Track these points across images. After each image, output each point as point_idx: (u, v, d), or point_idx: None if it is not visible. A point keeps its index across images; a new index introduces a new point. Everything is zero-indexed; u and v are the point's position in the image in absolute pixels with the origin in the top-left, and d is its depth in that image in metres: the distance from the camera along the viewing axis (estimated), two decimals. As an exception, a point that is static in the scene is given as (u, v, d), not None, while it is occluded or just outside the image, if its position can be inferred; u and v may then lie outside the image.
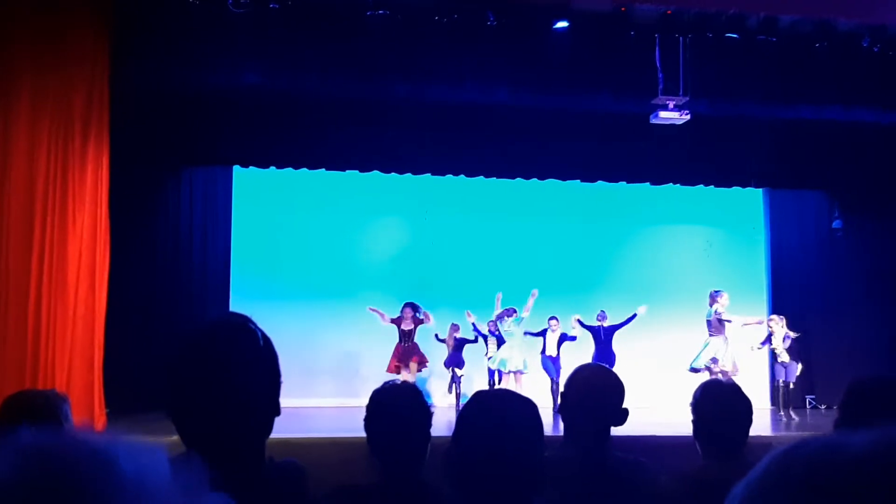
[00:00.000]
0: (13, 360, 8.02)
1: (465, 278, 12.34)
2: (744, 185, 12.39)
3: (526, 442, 1.91)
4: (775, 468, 0.66)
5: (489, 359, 11.20)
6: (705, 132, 10.89)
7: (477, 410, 1.97)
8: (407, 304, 11.11)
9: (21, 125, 8.34)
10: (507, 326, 11.07)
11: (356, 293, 12.15)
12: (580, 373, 2.81)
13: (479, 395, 2.04)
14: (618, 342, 11.19)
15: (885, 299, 12.38)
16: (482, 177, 11.80)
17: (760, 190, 13.02)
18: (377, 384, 2.77)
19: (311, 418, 9.49)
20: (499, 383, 10.90)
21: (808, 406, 12.16)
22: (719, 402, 2.82)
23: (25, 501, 0.58)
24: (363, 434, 2.63)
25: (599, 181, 12.05)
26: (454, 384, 11.22)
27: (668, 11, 9.50)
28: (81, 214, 8.49)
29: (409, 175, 11.63)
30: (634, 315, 11.18)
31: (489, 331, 11.22)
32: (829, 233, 12.87)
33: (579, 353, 10.82)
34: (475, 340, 11.29)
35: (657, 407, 10.38)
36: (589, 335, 11.26)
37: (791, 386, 10.87)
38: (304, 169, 11.37)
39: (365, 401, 2.70)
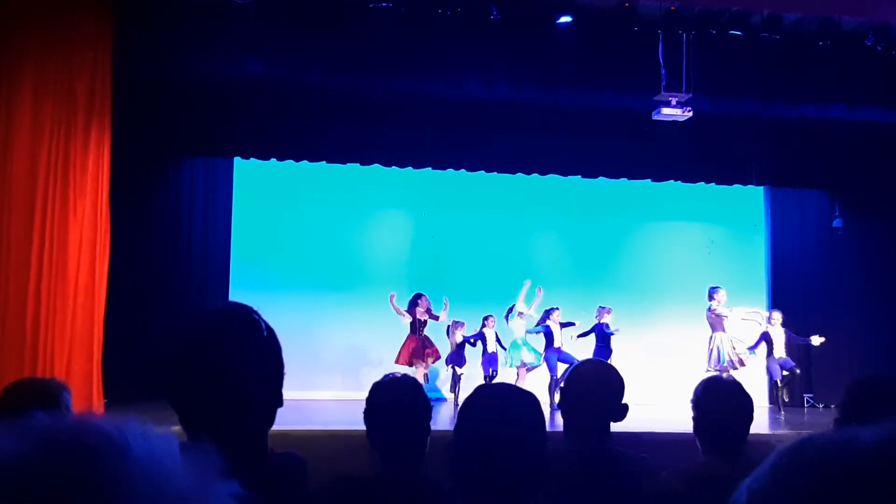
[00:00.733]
0: (13, 348, 8.01)
1: (464, 273, 12.33)
2: (745, 183, 12.38)
3: (527, 435, 1.91)
4: (786, 462, 0.66)
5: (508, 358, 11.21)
6: (707, 129, 10.88)
7: (478, 404, 1.96)
8: (420, 295, 11.12)
9: (24, 112, 8.32)
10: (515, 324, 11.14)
11: (356, 286, 12.17)
12: (580, 368, 2.82)
13: (480, 388, 2.04)
14: (618, 338, 11.18)
15: (885, 298, 12.38)
16: (483, 171, 11.78)
17: (761, 188, 13.01)
18: (377, 376, 2.77)
19: (310, 410, 9.50)
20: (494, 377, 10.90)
21: (806, 405, 12.16)
22: (720, 398, 2.82)
23: (38, 484, 0.58)
24: (363, 427, 2.63)
25: (601, 177, 12.03)
26: (456, 383, 11.21)
27: (672, 7, 9.49)
28: (82, 203, 8.47)
29: (409, 169, 11.61)
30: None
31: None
32: (829, 232, 12.86)
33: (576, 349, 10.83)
34: (474, 344, 11.28)
35: (658, 403, 10.38)
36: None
37: (779, 383, 10.80)
38: (305, 161, 11.34)
39: (365, 393, 2.69)
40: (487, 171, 11.80)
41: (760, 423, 9.22)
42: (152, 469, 0.62)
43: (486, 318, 11.25)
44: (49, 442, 0.61)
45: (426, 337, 11.07)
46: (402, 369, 8.89)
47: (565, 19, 9.48)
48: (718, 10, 9.57)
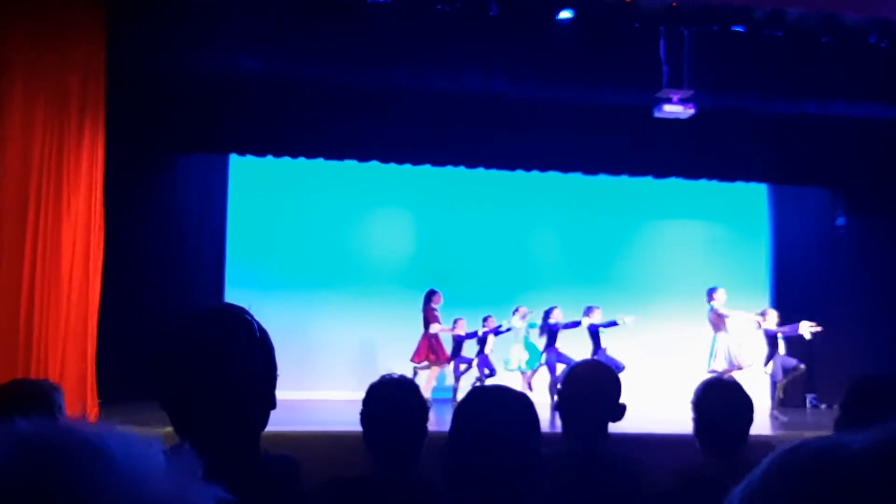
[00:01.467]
0: (6, 347, 7.95)
1: (462, 270, 12.31)
2: (747, 181, 12.35)
3: (522, 437, 1.89)
4: (776, 468, 0.66)
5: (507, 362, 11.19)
6: (709, 126, 10.83)
7: (473, 406, 1.95)
8: (434, 292, 11.09)
9: (16, 109, 8.24)
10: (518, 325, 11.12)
11: (353, 284, 12.15)
12: (576, 369, 2.81)
13: (474, 391, 2.03)
14: (618, 338, 11.14)
15: (888, 297, 12.34)
16: (482, 168, 11.75)
17: (764, 185, 12.98)
18: (374, 376, 2.75)
19: (306, 411, 9.46)
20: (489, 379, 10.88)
21: (808, 405, 12.13)
22: (720, 399, 2.82)
23: (19, 490, 0.58)
24: (359, 428, 2.62)
25: (601, 174, 12.00)
26: (456, 381, 11.19)
27: (674, 3, 9.44)
28: (76, 200, 8.40)
29: (407, 165, 11.58)
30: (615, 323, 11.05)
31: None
32: (832, 230, 12.83)
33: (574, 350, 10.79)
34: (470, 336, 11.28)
35: (658, 403, 10.35)
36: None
37: (779, 383, 10.73)
38: (302, 158, 11.29)
39: (362, 394, 2.67)
40: (487, 167, 11.76)
41: (761, 425, 9.19)
42: (134, 475, 0.61)
43: (485, 319, 11.24)
44: (29, 448, 0.61)
45: (438, 337, 11.07)
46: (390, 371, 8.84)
47: (566, 15, 9.45)
48: (720, 6, 9.52)
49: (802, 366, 10.49)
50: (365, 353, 11.97)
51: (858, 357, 11.39)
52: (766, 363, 10.54)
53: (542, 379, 10.91)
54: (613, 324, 10.87)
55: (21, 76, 8.31)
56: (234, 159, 11.76)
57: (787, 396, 10.94)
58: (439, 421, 7.12)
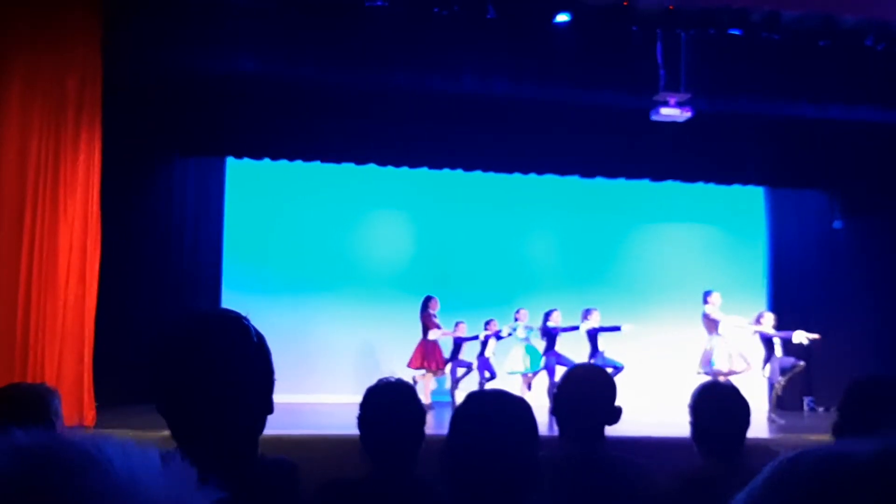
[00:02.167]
0: (2, 350, 7.95)
1: (460, 273, 12.31)
2: (744, 183, 12.36)
3: (520, 441, 1.90)
4: (778, 476, 0.65)
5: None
6: (706, 129, 10.85)
7: (471, 410, 1.95)
8: (430, 298, 11.11)
9: (13, 111, 8.25)
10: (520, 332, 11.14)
11: (351, 287, 12.13)
12: (573, 373, 2.81)
13: (472, 395, 2.03)
14: (616, 340, 11.14)
15: (885, 299, 12.35)
16: (480, 171, 11.75)
17: (761, 188, 12.99)
18: (372, 379, 2.75)
19: (304, 414, 9.45)
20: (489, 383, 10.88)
21: (806, 408, 12.13)
22: (717, 403, 2.83)
23: (18, 501, 0.58)
24: (357, 431, 2.62)
25: (598, 177, 12.01)
26: (454, 385, 11.19)
27: (671, 6, 9.45)
28: (73, 202, 8.39)
29: (405, 168, 11.57)
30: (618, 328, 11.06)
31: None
32: (829, 232, 12.84)
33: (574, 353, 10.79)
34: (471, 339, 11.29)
35: (655, 406, 10.35)
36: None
37: (777, 384, 10.71)
38: (299, 161, 11.29)
39: (359, 397, 2.68)
40: (484, 170, 11.77)
41: (758, 427, 9.18)
42: (132, 484, 0.61)
43: (487, 323, 11.25)
44: (27, 459, 0.61)
45: (435, 343, 11.07)
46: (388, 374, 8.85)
47: (563, 18, 9.46)
48: (717, 9, 9.53)
49: (802, 363, 10.48)
50: (363, 357, 11.96)
51: (856, 360, 11.37)
52: (763, 366, 10.53)
53: (542, 382, 10.91)
54: (616, 329, 10.89)
55: (18, 78, 8.31)
56: (231, 162, 11.73)
57: (785, 399, 10.93)
58: (439, 424, 7.12)
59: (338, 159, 11.33)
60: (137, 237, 10.72)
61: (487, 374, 11.01)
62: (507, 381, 10.78)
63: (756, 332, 10.54)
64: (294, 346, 11.00)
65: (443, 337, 11.15)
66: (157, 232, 11.13)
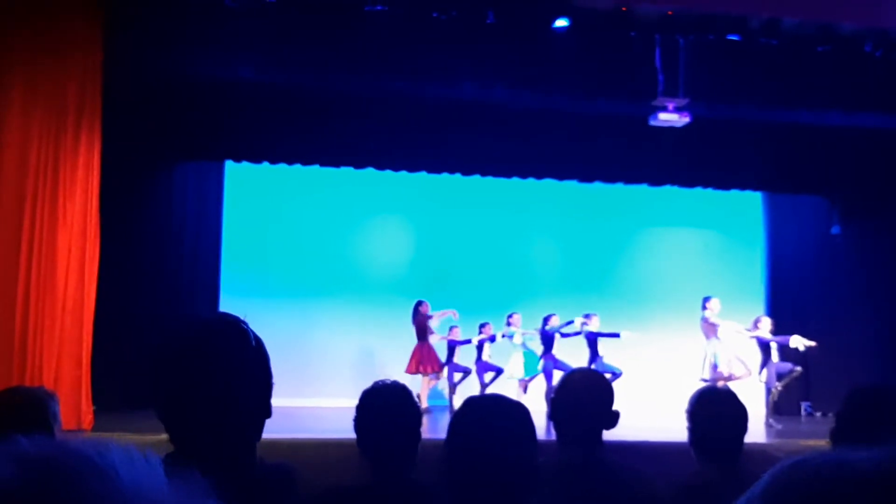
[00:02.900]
0: (0, 354, 7.95)
1: (458, 277, 12.31)
2: (742, 189, 12.37)
3: (518, 446, 1.90)
4: (777, 484, 0.65)
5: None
6: (705, 134, 10.86)
7: (469, 415, 1.95)
8: (420, 302, 11.13)
9: (13, 116, 8.26)
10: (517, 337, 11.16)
11: (350, 291, 12.13)
12: (569, 378, 2.81)
13: (470, 400, 2.03)
14: (614, 345, 11.14)
15: (883, 305, 12.36)
16: (478, 175, 11.76)
17: (759, 193, 13.00)
18: (370, 384, 2.75)
19: (303, 419, 9.44)
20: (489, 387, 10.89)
21: (803, 413, 12.12)
22: (715, 409, 2.83)
23: None
24: (354, 435, 2.62)
25: (597, 182, 12.01)
26: (452, 390, 11.18)
27: (670, 12, 9.47)
28: (72, 206, 8.40)
29: (404, 172, 11.57)
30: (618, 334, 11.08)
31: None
32: (827, 238, 12.84)
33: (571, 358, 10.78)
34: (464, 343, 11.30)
35: (654, 411, 10.34)
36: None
37: (774, 389, 10.69)
38: (298, 164, 11.28)
39: (357, 401, 2.68)
40: (483, 174, 11.77)
41: (756, 433, 9.18)
42: (137, 493, 0.61)
43: (482, 326, 11.25)
44: (31, 467, 0.60)
45: (431, 347, 11.07)
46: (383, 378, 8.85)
47: (562, 23, 9.47)
48: (716, 15, 9.55)
49: (798, 368, 10.46)
50: (362, 361, 11.95)
51: (853, 365, 11.38)
52: (760, 371, 10.53)
53: (539, 386, 10.90)
54: (615, 335, 10.91)
55: (19, 83, 8.32)
56: (229, 166, 11.73)
57: (783, 404, 10.92)
58: (438, 429, 7.10)
59: (336, 163, 11.32)
60: (136, 241, 10.71)
61: (492, 375, 11.01)
62: (504, 385, 10.79)
63: (753, 336, 10.54)
64: (292, 350, 10.99)
65: (439, 341, 11.17)
66: (155, 236, 11.12)
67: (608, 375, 10.38)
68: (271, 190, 12.10)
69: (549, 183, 11.94)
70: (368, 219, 12.53)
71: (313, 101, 10.48)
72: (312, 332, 11.94)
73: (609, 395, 2.74)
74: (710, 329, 10.61)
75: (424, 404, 10.59)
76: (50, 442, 0.63)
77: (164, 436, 1.56)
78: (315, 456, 5.79)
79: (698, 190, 12.29)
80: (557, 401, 2.70)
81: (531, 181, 11.88)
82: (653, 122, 9.81)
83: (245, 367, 1.58)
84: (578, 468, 2.58)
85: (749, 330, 10.60)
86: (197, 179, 11.67)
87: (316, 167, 11.37)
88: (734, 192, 12.50)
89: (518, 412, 1.94)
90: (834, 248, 12.79)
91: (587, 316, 10.95)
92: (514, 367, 11.11)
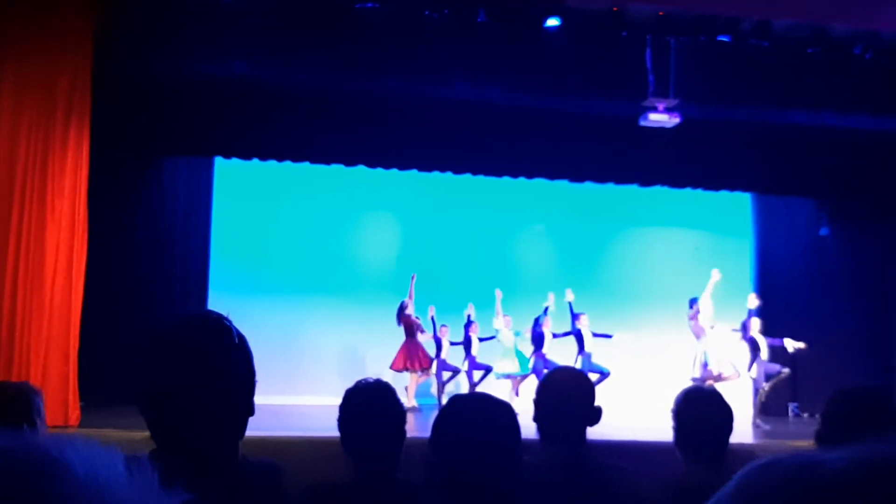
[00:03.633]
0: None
1: (447, 275, 12.31)
2: (732, 190, 12.41)
3: (503, 445, 1.89)
4: (748, 483, 0.64)
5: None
6: (695, 135, 10.88)
7: (454, 413, 1.95)
8: (405, 301, 11.16)
9: (2, 109, 8.23)
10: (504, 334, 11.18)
11: (339, 288, 12.12)
12: (550, 377, 2.81)
13: (455, 398, 2.03)
14: (603, 344, 11.17)
15: (871, 307, 12.42)
16: (469, 174, 11.76)
17: (749, 194, 13.04)
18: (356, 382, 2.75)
19: (291, 416, 9.43)
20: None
21: (791, 414, 12.17)
22: (700, 408, 2.83)
23: None
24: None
25: (588, 181, 12.03)
26: (441, 388, 11.19)
27: (661, 13, 9.49)
28: (60, 202, 8.37)
29: (394, 170, 11.56)
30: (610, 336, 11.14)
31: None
32: (816, 239, 12.90)
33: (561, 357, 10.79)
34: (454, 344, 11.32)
35: (641, 411, 10.36)
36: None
37: (762, 389, 10.74)
38: (288, 161, 11.25)
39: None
40: (474, 173, 11.78)
41: (743, 433, 9.21)
42: (95, 486, 0.60)
43: (468, 325, 11.27)
44: None
45: (418, 343, 11.08)
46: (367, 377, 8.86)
47: (553, 23, 9.47)
48: (707, 16, 9.57)
49: (787, 370, 10.52)
50: (350, 359, 11.94)
51: (841, 366, 11.43)
52: (749, 368, 10.57)
53: (530, 388, 10.91)
54: (608, 336, 10.96)
55: (8, 78, 8.30)
56: (219, 162, 11.69)
57: (770, 405, 10.96)
58: (426, 427, 7.08)
59: (327, 160, 11.31)
60: (125, 237, 10.69)
61: (481, 373, 11.03)
62: (495, 386, 10.80)
63: (747, 335, 10.60)
64: (280, 348, 10.99)
65: (428, 339, 11.19)
66: (144, 232, 11.09)
67: (596, 375, 10.52)
68: (261, 187, 12.07)
69: (539, 182, 11.95)
70: (358, 216, 12.52)
71: (303, 98, 10.46)
72: (300, 330, 11.93)
73: (590, 391, 2.74)
74: (699, 330, 10.64)
75: (412, 402, 10.60)
76: (5, 436, 0.63)
77: (147, 433, 1.56)
78: (300, 454, 5.78)
79: (688, 190, 12.32)
80: (540, 401, 2.69)
81: (522, 180, 11.89)
82: (643, 123, 9.83)
83: (228, 365, 1.57)
84: (563, 467, 2.58)
85: (737, 331, 10.65)
86: (186, 176, 11.64)
87: (306, 164, 11.36)
88: (724, 193, 12.54)
89: (503, 411, 1.94)
90: (822, 249, 12.85)
91: (575, 316, 11.00)
92: (503, 364, 11.13)
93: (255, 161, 11.20)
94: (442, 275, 12.30)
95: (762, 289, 13.02)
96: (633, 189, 12.24)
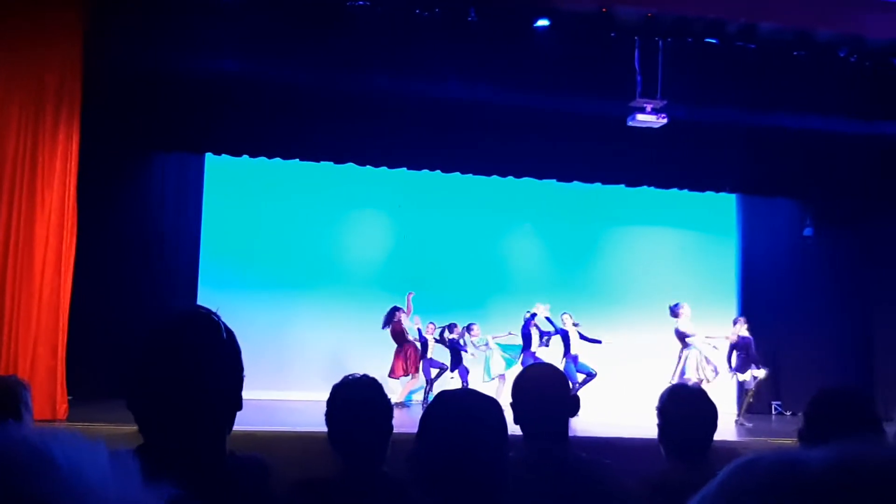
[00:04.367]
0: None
1: (435, 274, 12.32)
2: (717, 191, 12.47)
3: (489, 440, 1.90)
4: (730, 483, 0.65)
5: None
6: (681, 136, 10.92)
7: (440, 409, 1.96)
8: (397, 308, 11.18)
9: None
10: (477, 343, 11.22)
11: (328, 285, 12.12)
12: (524, 375, 2.82)
13: (442, 394, 2.04)
14: (589, 345, 11.21)
15: (853, 307, 12.52)
16: (458, 173, 11.78)
17: (734, 195, 13.10)
18: (345, 377, 2.76)
19: (280, 411, 9.44)
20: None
21: (773, 412, 12.25)
22: (685, 406, 2.85)
23: None
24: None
25: (575, 181, 12.06)
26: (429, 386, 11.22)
27: (649, 14, 9.53)
28: (50, 196, 8.37)
29: (384, 168, 11.56)
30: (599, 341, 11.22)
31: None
32: (799, 240, 12.98)
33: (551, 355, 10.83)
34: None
35: (626, 409, 10.41)
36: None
37: (747, 390, 10.83)
38: (278, 158, 11.23)
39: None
40: (462, 172, 11.79)
41: (726, 431, 9.27)
42: (78, 480, 0.60)
43: (451, 327, 11.30)
44: None
45: (409, 346, 11.11)
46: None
47: (542, 23, 9.50)
48: (694, 18, 9.62)
49: (766, 371, 10.64)
50: (340, 355, 11.91)
51: (823, 365, 11.53)
52: (743, 371, 10.64)
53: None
54: (597, 341, 11.03)
55: (-1, 71, 8.27)
56: (210, 158, 11.67)
57: (754, 404, 11.04)
58: (414, 423, 7.10)
59: (316, 158, 11.29)
60: (115, 231, 10.67)
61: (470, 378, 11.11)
62: (486, 387, 10.83)
63: (737, 336, 10.68)
64: (270, 344, 10.99)
65: (415, 341, 11.23)
66: (134, 227, 11.07)
67: (582, 376, 10.57)
68: (251, 183, 12.05)
69: (527, 182, 11.97)
70: (348, 214, 12.52)
71: (294, 96, 10.44)
72: (290, 326, 11.93)
73: (564, 382, 2.77)
74: (683, 335, 10.70)
75: (402, 398, 10.68)
76: None
77: (134, 427, 1.57)
78: (288, 448, 5.79)
79: (674, 191, 12.37)
80: (516, 402, 2.70)
81: (510, 179, 11.90)
82: (631, 123, 9.87)
83: (216, 360, 1.58)
84: (549, 464, 2.60)
85: (725, 338, 10.73)
86: (177, 171, 11.62)
87: (296, 161, 11.34)
88: (709, 194, 12.59)
89: (490, 407, 1.95)
90: (806, 249, 12.93)
91: (561, 315, 11.08)
92: (494, 365, 11.19)
93: (246, 157, 11.18)
94: (430, 272, 12.31)
95: (746, 288, 13.12)
96: (619, 189, 12.27)
